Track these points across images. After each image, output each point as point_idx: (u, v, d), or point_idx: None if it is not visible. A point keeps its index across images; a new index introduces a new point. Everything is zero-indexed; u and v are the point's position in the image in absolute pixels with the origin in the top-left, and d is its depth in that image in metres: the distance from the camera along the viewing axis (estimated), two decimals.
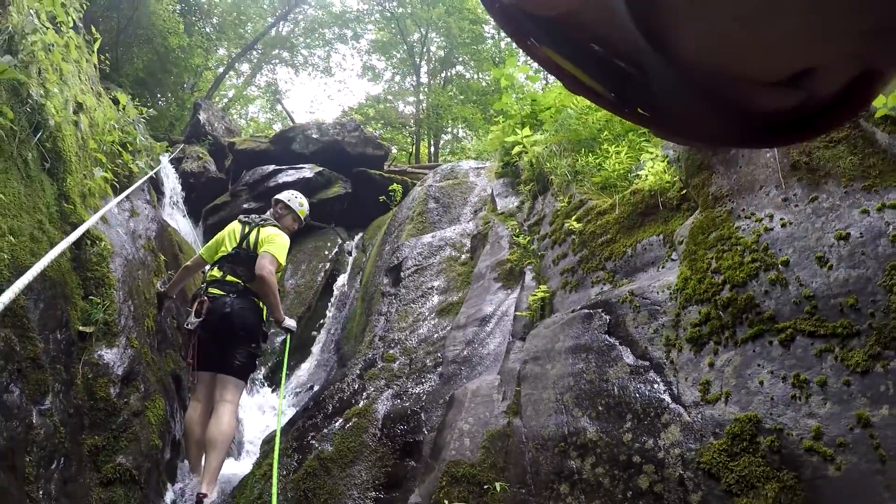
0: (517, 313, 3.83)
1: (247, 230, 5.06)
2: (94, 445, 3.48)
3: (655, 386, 2.25)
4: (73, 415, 3.37)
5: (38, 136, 3.67)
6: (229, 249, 4.92)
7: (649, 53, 0.42)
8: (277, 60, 19.27)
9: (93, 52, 5.78)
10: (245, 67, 19.42)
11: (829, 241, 2.02)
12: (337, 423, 3.71)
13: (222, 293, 4.66)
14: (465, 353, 3.83)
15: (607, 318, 2.77)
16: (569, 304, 3.47)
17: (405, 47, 19.23)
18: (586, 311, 2.96)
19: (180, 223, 9.73)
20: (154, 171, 5.90)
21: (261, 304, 4.82)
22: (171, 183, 10.42)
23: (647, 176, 3.69)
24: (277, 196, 5.46)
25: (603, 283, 3.37)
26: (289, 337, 5.33)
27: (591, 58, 0.46)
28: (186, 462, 4.52)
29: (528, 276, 4.28)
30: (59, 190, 3.91)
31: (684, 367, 2.22)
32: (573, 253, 3.96)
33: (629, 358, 2.46)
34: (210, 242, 5.15)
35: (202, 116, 12.68)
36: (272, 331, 6.35)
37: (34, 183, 3.63)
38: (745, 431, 1.85)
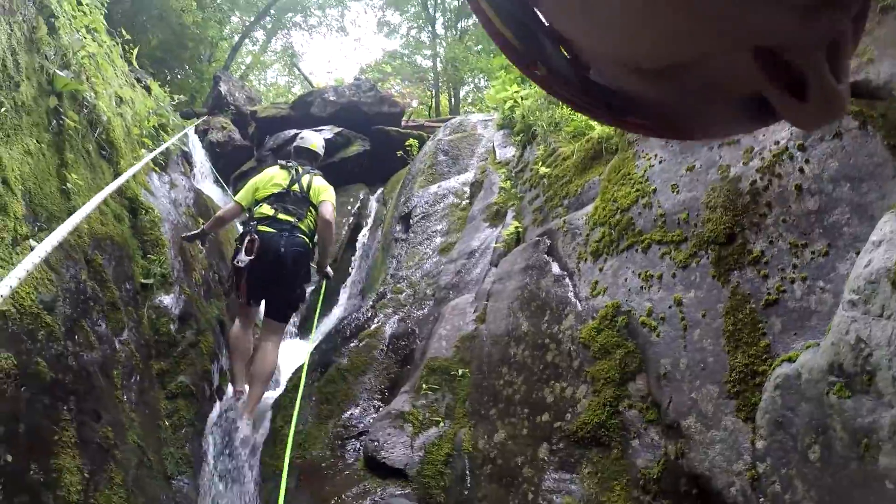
0: (495, 245, 4.71)
1: (294, 174, 5.26)
2: (161, 369, 4.49)
3: (566, 288, 3.13)
4: (144, 346, 4.35)
5: (96, 131, 4.61)
6: (280, 189, 5.10)
7: (523, 15, 0.44)
8: (291, 25, 20.00)
9: (131, 51, 6.73)
10: (260, 34, 20.20)
11: (681, 172, 2.84)
12: (352, 343, 4.68)
13: (273, 231, 4.82)
14: (454, 280, 4.76)
15: (549, 242, 3.64)
16: (533, 236, 4.33)
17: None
18: (537, 238, 3.83)
19: (211, 191, 10.73)
20: (169, 142, 6.54)
21: (311, 244, 5.08)
22: (199, 154, 11.36)
23: (596, 126, 4.48)
24: (306, 146, 5.77)
25: (559, 217, 4.22)
26: (324, 282, 5.82)
27: (507, 6, 0.47)
28: (230, 386, 5.08)
29: (510, 216, 5.14)
30: (115, 171, 4.85)
31: (585, 273, 3.09)
32: (543, 194, 4.80)
33: (556, 270, 3.34)
34: (244, 190, 5.29)
35: (223, 88, 13.60)
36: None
37: (96, 168, 4.55)
38: (609, 314, 2.72)
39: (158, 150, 5.78)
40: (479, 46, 18.33)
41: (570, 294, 3.08)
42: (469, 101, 18.67)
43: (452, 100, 18.94)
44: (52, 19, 4.21)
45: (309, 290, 8.41)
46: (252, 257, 4.66)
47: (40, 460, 2.62)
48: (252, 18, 18.76)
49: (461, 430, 3.34)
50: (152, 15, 14.00)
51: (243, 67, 20.26)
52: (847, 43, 0.40)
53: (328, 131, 11.73)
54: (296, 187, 5.15)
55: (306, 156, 5.72)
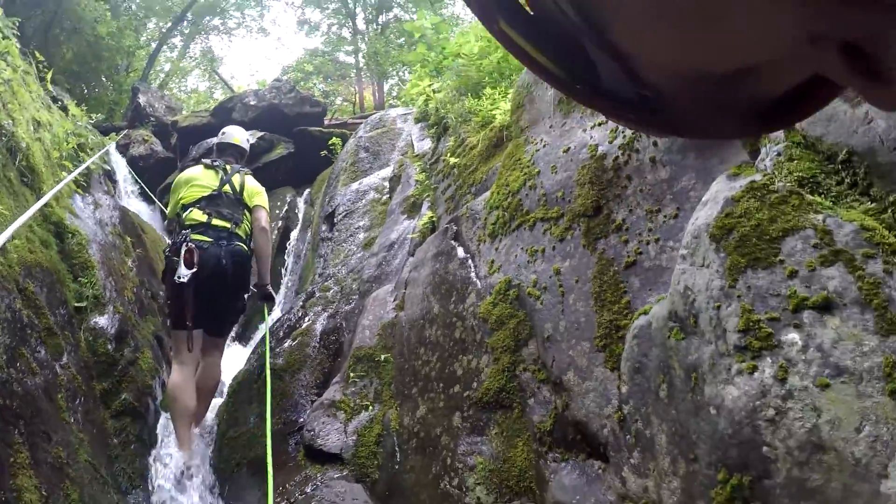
0: (411, 236, 4.90)
1: (223, 175, 4.80)
2: (103, 389, 4.54)
3: (469, 269, 3.35)
4: (84, 367, 4.39)
5: (16, 158, 4.59)
6: (209, 191, 4.65)
7: (586, 34, 0.43)
8: (209, 29, 19.71)
9: (45, 72, 6.67)
10: (177, 40, 19.84)
11: (559, 154, 3.08)
12: (286, 343, 4.81)
13: (210, 240, 4.39)
14: (376, 273, 4.94)
15: (455, 228, 3.85)
16: (444, 223, 4.54)
17: None
18: (445, 225, 4.03)
19: (138, 207, 10.59)
20: (88, 162, 6.26)
21: (249, 251, 4.65)
22: (122, 170, 11.18)
23: (498, 115, 4.71)
24: (229, 141, 5.31)
25: (468, 204, 4.43)
26: (266, 307, 5.23)
27: (543, 34, 0.46)
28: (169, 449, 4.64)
29: (425, 207, 5.34)
30: (38, 197, 4.84)
31: (484, 254, 3.31)
32: (454, 183, 5.01)
33: (461, 254, 3.55)
34: (171, 197, 4.88)
35: (142, 99, 13.38)
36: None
37: (19, 196, 4.55)
38: (502, 289, 2.95)
39: (77, 170, 5.72)
40: (401, 39, 18.43)
41: (472, 274, 3.30)
42: (394, 94, 18.75)
43: (377, 94, 19.00)
44: None
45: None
46: (194, 270, 4.17)
47: (1, 481, 2.70)
48: (169, 24, 18.40)
49: (388, 411, 3.53)
50: (66, 28, 13.64)
51: (162, 75, 19.86)
52: None
53: (251, 136, 11.68)
54: (227, 188, 4.70)
55: (231, 152, 5.24)
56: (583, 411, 2.23)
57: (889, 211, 1.53)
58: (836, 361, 1.29)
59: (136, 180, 10.91)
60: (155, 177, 11.97)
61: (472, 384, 2.88)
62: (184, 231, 4.46)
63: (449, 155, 5.54)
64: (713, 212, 1.79)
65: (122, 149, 12.05)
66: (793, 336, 1.38)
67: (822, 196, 1.66)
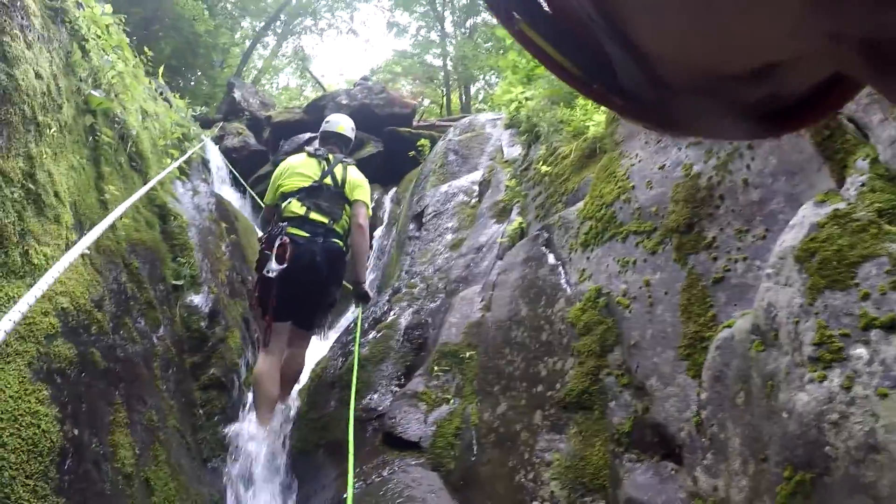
0: (500, 240, 5.16)
1: (326, 165, 4.80)
2: (194, 363, 4.97)
3: (559, 276, 3.59)
4: (178, 341, 4.83)
5: (127, 145, 5.12)
6: (310, 182, 4.66)
7: (604, 30, 0.43)
8: (301, 29, 20.59)
9: (158, 71, 7.34)
10: (270, 39, 20.80)
11: (654, 170, 3.29)
12: (371, 335, 5.15)
13: (307, 235, 4.43)
14: (463, 273, 5.23)
15: (546, 235, 4.09)
16: (534, 230, 4.78)
17: None
18: (536, 232, 4.28)
19: (230, 195, 11.27)
20: (190, 151, 6.71)
21: (345, 247, 4.68)
22: (217, 160, 11.90)
23: (591, 126, 4.93)
24: (334, 129, 5.31)
25: (558, 213, 4.66)
26: (361, 309, 5.26)
27: (561, 32, 0.47)
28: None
29: (514, 212, 5.60)
30: (145, 181, 5.33)
31: (575, 262, 3.54)
32: (544, 191, 5.25)
33: (551, 260, 3.79)
34: (272, 184, 4.98)
35: (237, 94, 14.16)
36: None
37: (128, 179, 5.03)
38: (592, 296, 3.17)
39: (182, 158, 6.19)
40: (489, 43, 18.77)
41: (562, 281, 3.54)
42: (480, 98, 19.13)
43: (463, 97, 19.42)
44: (84, 42, 4.67)
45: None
46: (284, 266, 4.23)
47: (100, 436, 3.02)
48: (262, 24, 19.35)
49: (469, 406, 3.80)
50: (165, 24, 14.57)
51: (255, 72, 20.87)
52: None
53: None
54: (328, 180, 4.69)
55: (335, 141, 5.25)
56: (662, 415, 2.44)
57: None
58: None
59: (231, 170, 11.59)
60: (247, 168, 12.68)
61: (555, 385, 3.12)
62: (280, 224, 4.52)
63: (540, 163, 5.78)
64: (799, 235, 1.98)
65: (217, 140, 12.81)
66: (860, 351, 1.57)
67: None
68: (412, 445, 3.90)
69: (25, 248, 2.79)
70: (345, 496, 3.76)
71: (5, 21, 2.98)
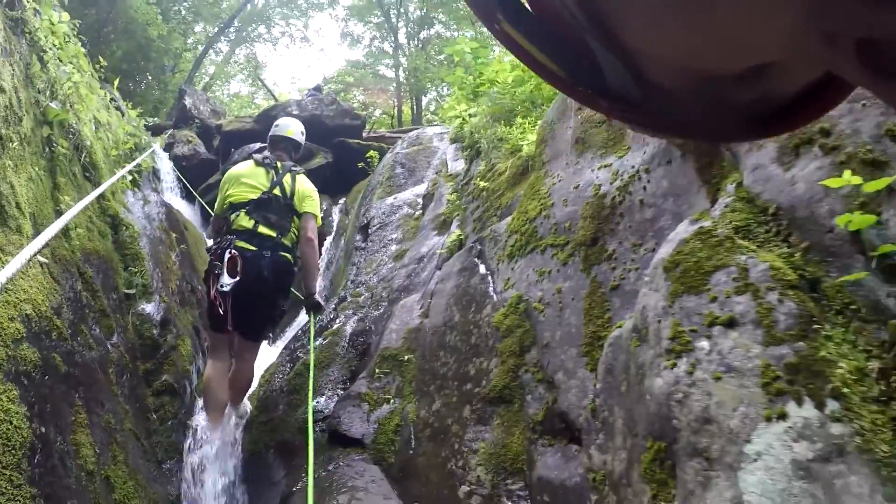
0: (440, 251, 5.52)
1: (274, 175, 4.79)
2: (146, 369, 5.19)
3: (488, 285, 3.97)
4: (131, 348, 5.04)
5: (81, 155, 5.32)
6: (258, 193, 4.66)
7: (591, 32, 0.42)
8: (255, 36, 20.74)
9: (112, 81, 7.50)
10: (223, 45, 20.89)
11: (570, 190, 3.69)
12: (317, 342, 5.45)
13: (255, 248, 4.46)
14: (405, 283, 5.58)
15: (479, 247, 4.47)
16: (470, 242, 5.16)
17: (382, 10, 20.60)
18: (471, 245, 4.65)
19: (179, 204, 11.40)
20: (141, 157, 6.92)
21: (293, 260, 4.73)
22: (167, 169, 12.01)
23: (525, 145, 5.33)
24: (283, 133, 5.24)
25: (492, 226, 5.05)
26: (313, 316, 5.28)
27: (545, 33, 0.46)
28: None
29: (454, 225, 5.97)
30: None
31: (501, 272, 3.92)
32: (482, 205, 5.63)
33: (482, 270, 4.17)
34: (220, 193, 4.95)
35: (188, 102, 14.28)
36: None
37: (82, 189, 5.19)
38: (514, 303, 3.55)
39: (131, 165, 6.26)
40: (441, 56, 19.20)
41: (490, 289, 3.92)
42: (432, 109, 19.53)
43: (415, 108, 19.80)
44: (42, 53, 4.75)
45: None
46: (237, 279, 4.32)
47: (63, 434, 3.21)
48: (216, 29, 19.45)
49: (408, 405, 4.15)
50: (118, 27, 14.63)
51: (206, 78, 20.94)
52: None
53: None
54: (277, 191, 4.70)
55: (284, 146, 5.21)
56: (566, 404, 2.83)
57: (797, 255, 2.12)
58: (729, 362, 1.86)
59: (181, 179, 11.72)
60: (197, 177, 12.81)
61: (481, 382, 3.49)
62: (229, 237, 4.55)
63: (479, 179, 6.16)
64: (669, 249, 2.39)
65: (167, 147, 12.92)
66: (703, 343, 1.96)
67: (752, 241, 2.25)
68: (356, 442, 4.23)
69: None
70: (294, 489, 4.09)
71: None
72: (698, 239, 2.30)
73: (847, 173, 1.89)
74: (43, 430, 2.86)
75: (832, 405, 1.63)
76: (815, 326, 1.81)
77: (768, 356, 1.84)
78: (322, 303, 5.17)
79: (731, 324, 1.97)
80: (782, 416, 1.67)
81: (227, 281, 4.31)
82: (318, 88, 16.01)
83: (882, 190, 1.89)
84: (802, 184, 2.19)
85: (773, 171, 2.33)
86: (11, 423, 2.57)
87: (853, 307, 1.86)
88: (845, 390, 1.63)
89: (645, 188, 3.07)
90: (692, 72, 0.42)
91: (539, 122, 6.17)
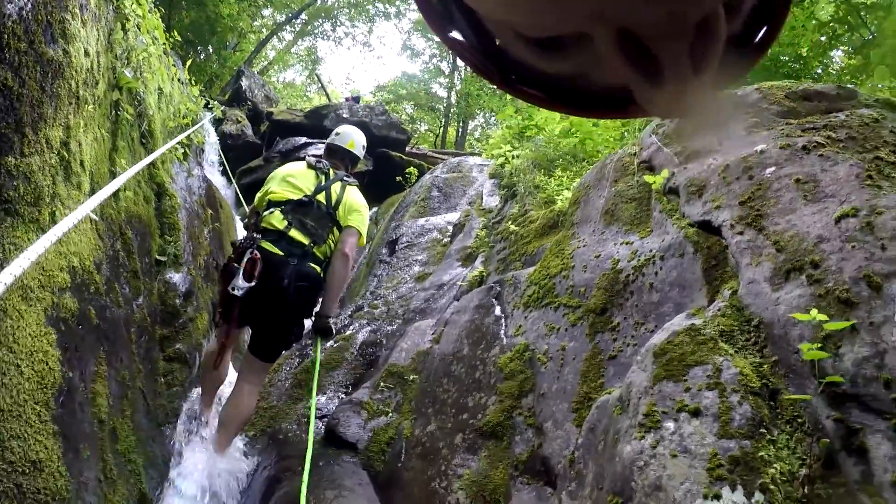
0: (461, 283, 5.95)
1: (324, 180, 4.51)
2: (163, 335, 5.57)
3: (500, 327, 4.39)
4: (152, 312, 5.44)
5: (142, 123, 5.75)
6: (300, 195, 4.37)
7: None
8: (319, 32, 21.43)
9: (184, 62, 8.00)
10: (287, 33, 21.59)
11: (591, 257, 4.11)
12: (328, 343, 5.89)
13: (281, 253, 4.11)
14: (422, 306, 6.01)
15: (498, 289, 4.89)
16: (491, 281, 5.59)
17: None
18: (491, 284, 5.08)
19: (216, 180, 11.92)
20: (194, 128, 7.12)
21: (322, 275, 4.33)
22: (212, 144, 12.50)
23: (559, 200, 5.77)
24: (343, 145, 4.99)
25: (514, 271, 5.47)
26: (319, 341, 5.03)
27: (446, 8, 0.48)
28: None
29: (479, 260, 6.40)
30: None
31: (515, 318, 4.34)
32: (508, 247, 6.06)
33: (498, 312, 4.59)
34: (264, 186, 4.71)
35: (244, 83, 14.88)
36: None
37: (136, 155, 5.47)
38: (521, 349, 3.97)
39: (185, 133, 6.64)
40: (494, 87, 19.61)
41: (502, 332, 4.34)
42: (476, 135, 20.05)
43: (460, 131, 20.34)
44: (125, 21, 4.95)
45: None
46: (252, 284, 3.96)
47: (86, 382, 3.41)
48: (283, 17, 20.15)
49: (404, 422, 4.57)
50: None
51: (264, 62, 21.63)
52: (716, 29, 0.39)
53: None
54: (322, 197, 4.40)
55: (340, 157, 4.98)
56: (549, 450, 3.24)
57: (766, 366, 2.53)
58: (686, 444, 2.27)
59: (222, 159, 12.25)
60: (239, 157, 13.37)
61: (477, 415, 3.90)
62: (255, 235, 4.21)
63: (510, 221, 6.60)
64: (662, 336, 2.80)
65: (216, 123, 13.47)
66: (670, 424, 2.37)
67: (732, 345, 2.66)
68: (349, 446, 4.65)
69: (53, 209, 3.22)
70: (283, 475, 4.51)
71: None
72: (688, 334, 2.71)
73: (814, 311, 2.30)
74: (71, 374, 3.10)
75: (759, 496, 2.03)
76: (763, 430, 2.23)
77: (718, 446, 2.24)
78: (333, 330, 4.76)
79: (696, 413, 2.38)
80: (717, 497, 2.08)
81: (240, 284, 3.95)
82: (356, 99, 16.53)
83: (846, 328, 2.30)
84: (784, 306, 2.61)
85: (764, 289, 2.74)
86: (47, 364, 2.87)
87: (800, 420, 2.27)
88: (772, 487, 2.04)
89: (657, 273, 3.48)
90: (511, 33, 0.44)
91: (577, 178, 6.62)
